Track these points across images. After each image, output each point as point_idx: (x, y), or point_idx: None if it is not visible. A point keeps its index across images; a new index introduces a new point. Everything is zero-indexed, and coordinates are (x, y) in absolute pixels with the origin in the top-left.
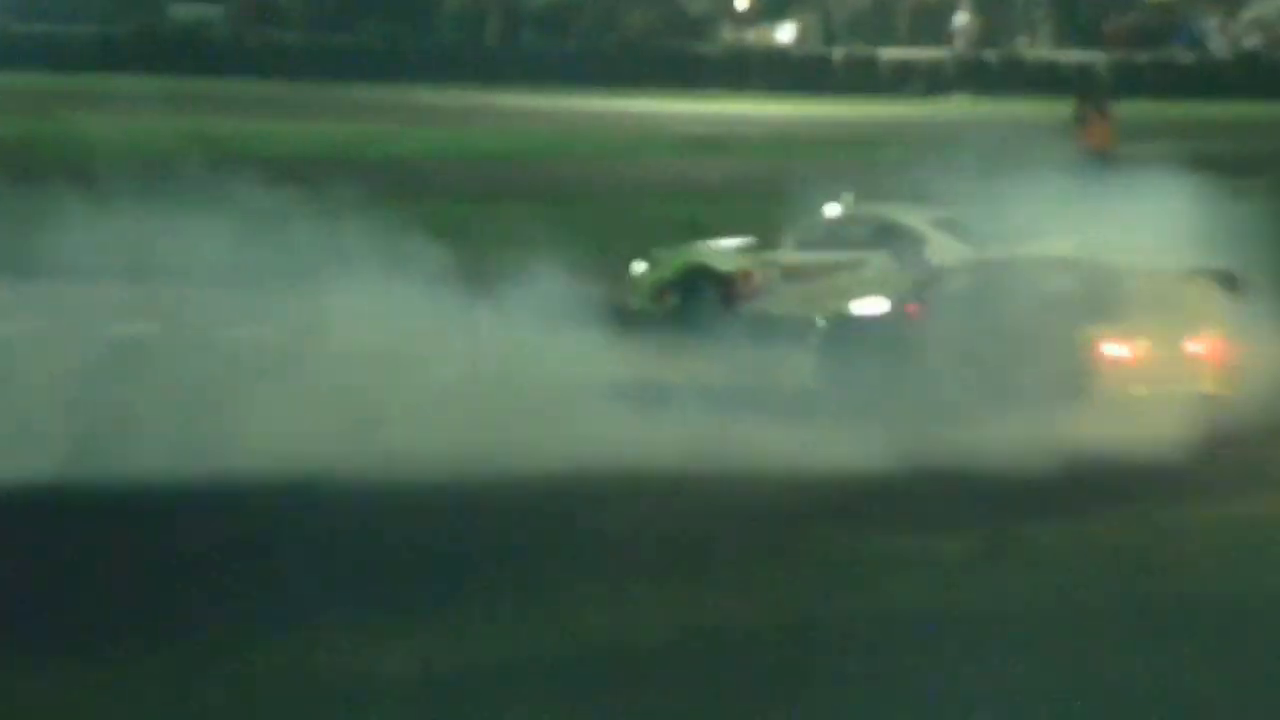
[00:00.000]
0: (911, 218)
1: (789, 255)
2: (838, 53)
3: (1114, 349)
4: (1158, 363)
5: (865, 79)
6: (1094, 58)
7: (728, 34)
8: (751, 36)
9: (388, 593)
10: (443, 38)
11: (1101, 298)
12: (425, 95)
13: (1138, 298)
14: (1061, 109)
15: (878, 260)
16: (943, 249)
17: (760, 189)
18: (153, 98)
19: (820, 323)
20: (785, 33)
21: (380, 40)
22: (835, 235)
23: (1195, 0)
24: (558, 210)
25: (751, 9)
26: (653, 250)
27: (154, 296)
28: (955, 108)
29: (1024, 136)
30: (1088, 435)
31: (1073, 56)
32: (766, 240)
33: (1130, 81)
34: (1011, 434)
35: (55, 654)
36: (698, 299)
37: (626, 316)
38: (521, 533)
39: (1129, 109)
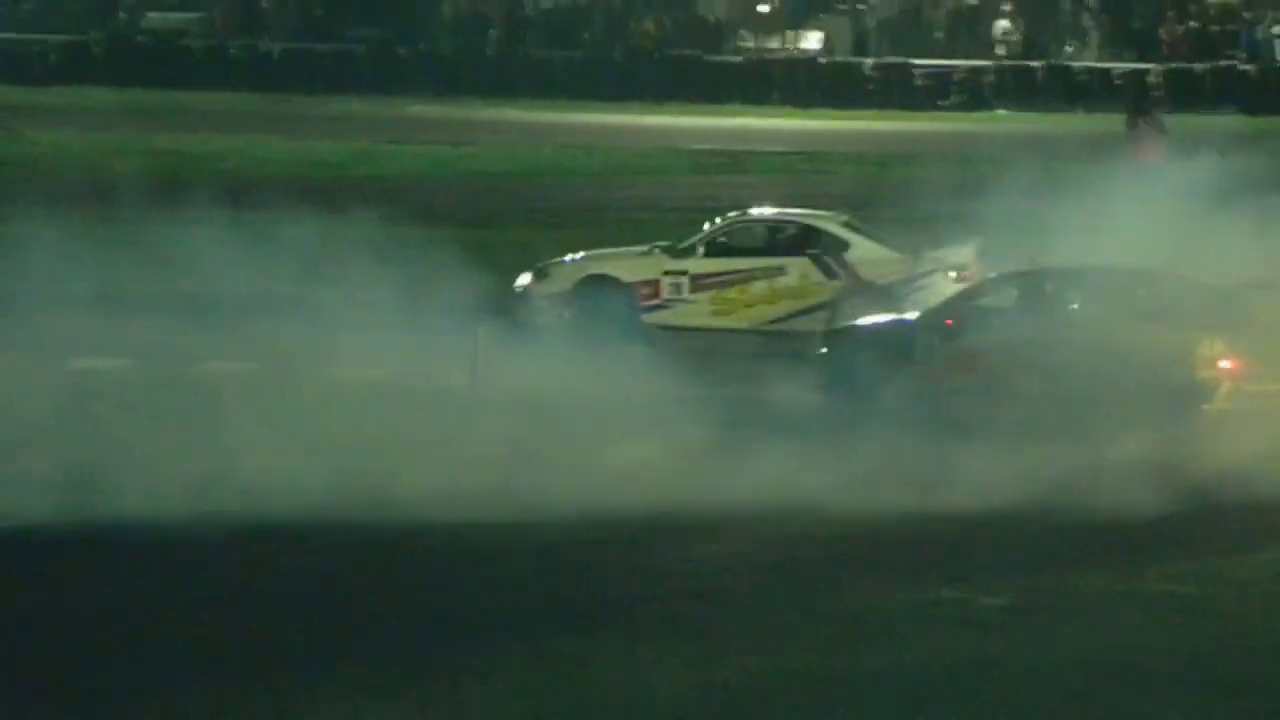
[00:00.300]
0: (825, 221)
1: (698, 263)
2: (868, 62)
3: (1230, 362)
4: (1269, 376)
5: (898, 91)
6: (1147, 67)
7: (746, 42)
8: (775, 45)
9: (379, 647)
10: (440, 47)
11: (1194, 309)
12: (420, 109)
13: (1232, 309)
14: (1113, 122)
15: (796, 266)
16: (864, 252)
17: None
18: (125, 112)
19: (821, 343)
20: (812, 41)
21: (371, 50)
22: (747, 241)
23: (1256, 6)
24: (563, 235)
25: (774, 16)
26: (543, 262)
27: (123, 329)
28: (997, 121)
29: (1072, 152)
30: (1168, 459)
31: (1124, 66)
32: (670, 247)
33: (1187, 92)
34: (1078, 461)
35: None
36: (600, 311)
37: (521, 332)
38: (521, 582)
39: (1184, 121)
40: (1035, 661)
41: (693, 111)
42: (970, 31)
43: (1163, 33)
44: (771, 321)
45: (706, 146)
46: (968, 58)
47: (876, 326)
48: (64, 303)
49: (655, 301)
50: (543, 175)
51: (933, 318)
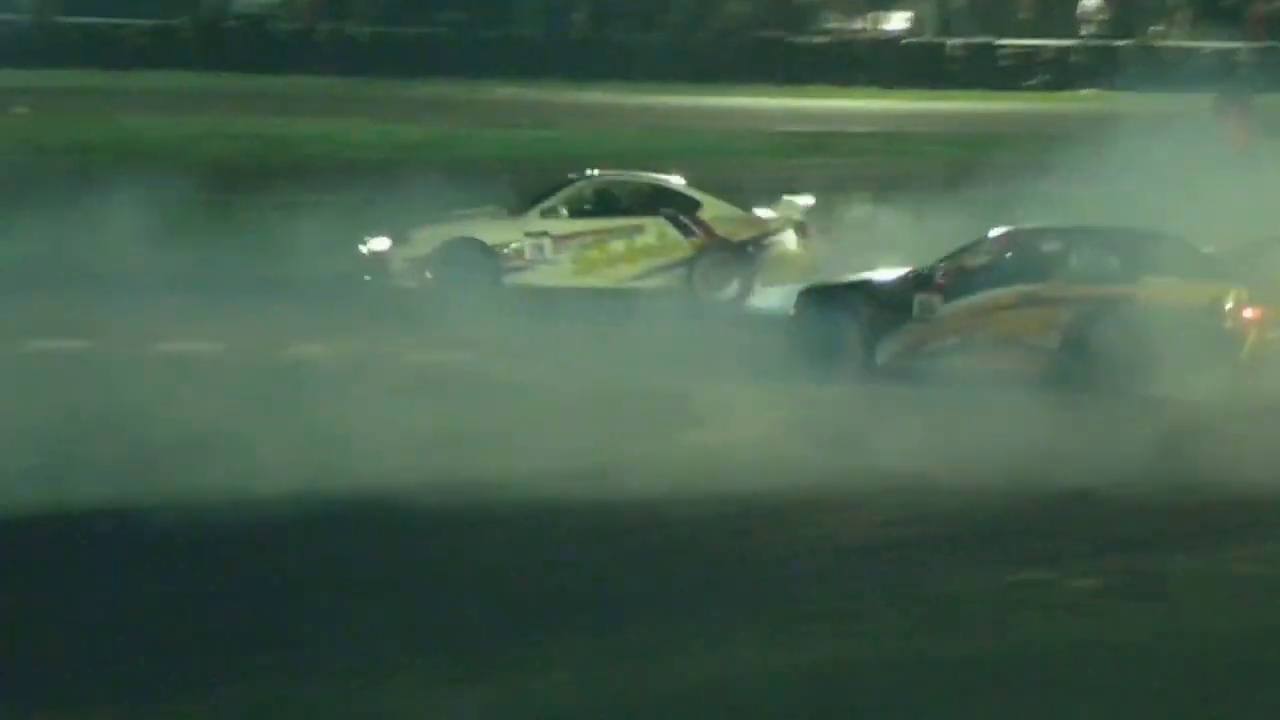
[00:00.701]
0: (674, 182)
1: (559, 224)
2: (953, 43)
3: (1254, 312)
4: None
5: (983, 71)
6: (1236, 46)
7: (831, 23)
8: (860, 25)
9: (460, 633)
10: (523, 29)
11: (1203, 265)
12: (505, 92)
13: (1237, 267)
14: (1201, 102)
15: (654, 225)
16: (717, 211)
17: (875, 195)
18: (212, 96)
19: (796, 304)
20: (896, 21)
21: (456, 33)
22: (603, 202)
23: None
24: None
25: None
26: (399, 226)
27: (207, 312)
28: (1084, 101)
29: (1161, 133)
30: (1214, 421)
31: (1212, 44)
32: (514, 209)
33: (1272, 71)
34: (1133, 424)
35: (87, 703)
36: (466, 274)
37: (382, 298)
38: (601, 563)
39: (1272, 101)
40: (1129, 644)
41: (777, 93)
42: (1056, 11)
43: (1249, 12)
44: (631, 279)
45: (791, 128)
46: (1054, 37)
47: (868, 284)
48: (149, 287)
49: (518, 263)
50: (627, 158)
51: (926, 276)
